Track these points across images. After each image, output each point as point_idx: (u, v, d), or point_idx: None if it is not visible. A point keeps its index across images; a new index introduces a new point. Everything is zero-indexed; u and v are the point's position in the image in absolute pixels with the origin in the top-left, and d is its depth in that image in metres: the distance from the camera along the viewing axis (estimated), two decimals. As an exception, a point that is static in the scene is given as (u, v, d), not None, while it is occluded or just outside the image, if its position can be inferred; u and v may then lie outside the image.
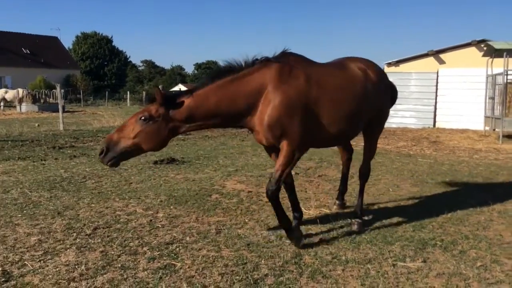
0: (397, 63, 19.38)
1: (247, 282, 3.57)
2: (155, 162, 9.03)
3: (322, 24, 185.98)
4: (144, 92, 58.26)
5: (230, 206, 5.86)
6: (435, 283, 3.59)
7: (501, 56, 14.57)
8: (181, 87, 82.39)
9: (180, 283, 3.57)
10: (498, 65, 15.31)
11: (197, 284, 3.54)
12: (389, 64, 19.52)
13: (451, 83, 18.32)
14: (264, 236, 4.68)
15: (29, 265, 3.90)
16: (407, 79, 19.19)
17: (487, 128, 15.62)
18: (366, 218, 5.22)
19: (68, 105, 41.00)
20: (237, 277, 3.68)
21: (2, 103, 29.25)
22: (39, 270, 3.80)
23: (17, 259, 4.01)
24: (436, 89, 18.59)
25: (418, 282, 3.59)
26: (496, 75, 15.33)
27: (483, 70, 17.02)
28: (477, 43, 17.67)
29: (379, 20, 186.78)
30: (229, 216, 5.38)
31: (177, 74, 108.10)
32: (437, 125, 18.46)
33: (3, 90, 30.41)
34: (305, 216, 5.44)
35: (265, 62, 4.25)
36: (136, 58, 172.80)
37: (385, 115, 5.33)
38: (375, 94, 4.83)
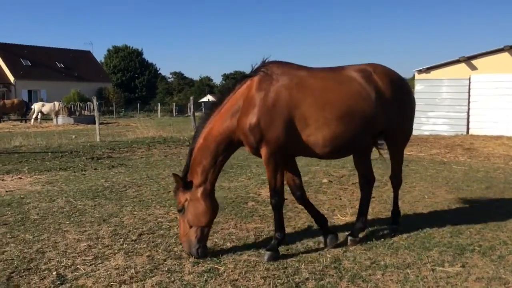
0: (428, 70, 19.22)
1: (289, 285, 3.70)
2: (191, 171, 9.25)
3: (356, 33, 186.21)
4: (174, 104, 59.27)
5: (267, 213, 6.00)
6: (474, 287, 3.65)
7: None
8: (209, 97, 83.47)
9: (225, 285, 3.73)
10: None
11: (241, 287, 3.69)
12: (420, 71, 19.38)
13: (483, 89, 18.05)
14: (302, 242, 4.79)
15: (81, 269, 4.13)
16: (438, 86, 19.01)
17: (523, 134, 15.34)
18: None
19: (102, 117, 41.97)
20: (279, 280, 3.81)
21: (39, 116, 30.26)
22: (91, 274, 4.03)
23: (69, 264, 4.26)
24: (469, 95, 18.35)
25: (458, 286, 3.65)
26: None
27: (518, 75, 16.77)
28: (510, 48, 17.39)
29: (411, 27, 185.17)
30: (267, 223, 5.53)
31: (206, 85, 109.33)
32: (470, 132, 18.19)
33: (40, 103, 31.49)
34: (341, 223, 5.55)
35: (245, 76, 4.46)
36: (165, 70, 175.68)
37: (404, 125, 4.87)
38: (383, 99, 4.46)
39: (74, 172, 9.83)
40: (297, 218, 5.77)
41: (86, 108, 34.78)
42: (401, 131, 4.86)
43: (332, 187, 7.66)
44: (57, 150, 14.13)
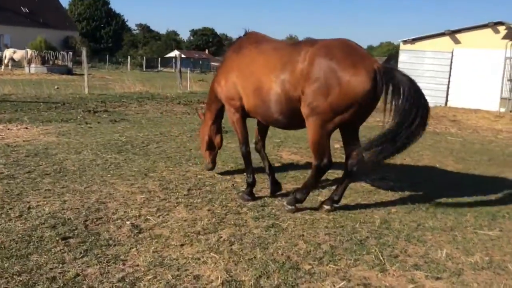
0: (413, 40, 19.70)
1: (354, 242, 4.05)
2: (201, 130, 9.40)
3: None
4: (143, 57, 57.96)
5: (298, 175, 6.31)
6: (517, 249, 4.11)
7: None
8: (176, 53, 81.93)
9: (295, 239, 4.04)
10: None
11: (312, 241, 4.01)
12: (405, 42, 19.85)
13: (465, 63, 18.73)
14: (343, 204, 5.13)
15: (151, 219, 4.34)
16: (421, 57, 19.55)
17: (502, 109, 16.17)
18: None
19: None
20: (342, 237, 4.15)
21: (10, 63, 29.11)
22: (164, 224, 4.25)
23: (137, 214, 4.45)
24: (450, 68, 19.01)
25: (504, 248, 4.10)
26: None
27: (498, 51, 17.46)
28: (494, 25, 18.03)
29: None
30: (295, 185, 5.81)
31: (172, 39, 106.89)
32: (448, 104, 18.95)
33: (12, 50, 30.22)
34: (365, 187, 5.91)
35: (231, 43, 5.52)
36: (131, 22, 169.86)
37: (321, 106, 4.32)
38: (304, 77, 4.36)
39: (79, 124, 9.80)
40: (328, 180, 6.08)
41: (57, 58, 33.59)
42: (317, 112, 4.37)
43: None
44: (48, 100, 13.87)
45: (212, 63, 76.77)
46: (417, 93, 4.31)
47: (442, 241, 4.17)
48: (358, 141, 4.69)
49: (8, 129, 8.88)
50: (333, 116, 4.35)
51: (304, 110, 4.44)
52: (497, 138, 10.65)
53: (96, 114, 11.69)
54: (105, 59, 52.71)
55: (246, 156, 5.31)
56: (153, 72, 47.65)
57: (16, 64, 30.67)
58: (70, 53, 32.96)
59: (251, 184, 5.20)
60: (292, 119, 4.68)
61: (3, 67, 28.85)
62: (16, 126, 9.30)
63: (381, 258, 3.75)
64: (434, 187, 6.01)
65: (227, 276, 3.31)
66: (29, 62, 28.49)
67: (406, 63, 19.75)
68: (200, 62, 69.11)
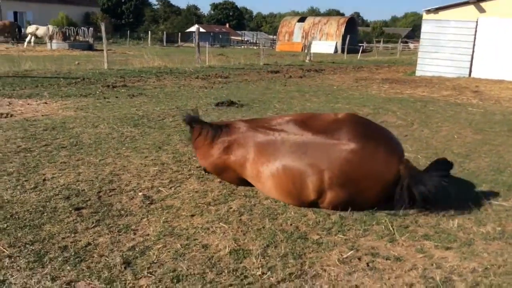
0: (437, 10, 19.11)
1: (364, 213, 4.01)
2: (217, 104, 9.42)
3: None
4: (164, 32, 57.87)
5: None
6: (531, 219, 4.04)
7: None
8: (197, 27, 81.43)
9: (304, 210, 4.04)
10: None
11: (321, 212, 4.01)
12: (428, 11, 19.28)
13: (489, 33, 18.15)
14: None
15: (163, 191, 4.40)
16: (445, 27, 19.01)
17: (527, 80, 15.68)
18: None
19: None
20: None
21: (32, 39, 29.45)
22: (175, 196, 4.30)
23: (149, 186, 4.52)
24: (474, 38, 18.45)
25: (518, 218, 4.04)
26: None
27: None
28: (521, -7, 17.35)
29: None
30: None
31: (193, 14, 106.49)
32: (472, 75, 18.47)
33: (34, 26, 30.54)
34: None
35: None
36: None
37: None
38: None
39: (97, 99, 9.91)
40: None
41: (79, 33, 33.82)
42: None
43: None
44: (68, 76, 14.05)
45: (232, 37, 76.42)
46: None
47: (454, 212, 4.12)
48: None
49: (28, 104, 9.05)
50: None
51: None
52: (520, 109, 10.37)
53: (115, 89, 11.79)
54: (126, 34, 52.80)
55: None
56: (173, 47, 47.63)
57: (39, 40, 31.02)
58: (91, 29, 33.06)
59: None
60: None
61: (26, 43, 29.21)
62: (36, 101, 9.46)
63: (390, 228, 3.74)
64: (450, 158, 5.91)
65: (235, 245, 3.35)
66: (51, 38, 28.77)
67: (429, 33, 19.29)
68: (220, 36, 68.71)
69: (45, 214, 3.72)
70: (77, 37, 32.27)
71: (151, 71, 16.48)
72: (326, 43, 51.59)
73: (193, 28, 75.29)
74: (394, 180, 3.92)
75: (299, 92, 12.22)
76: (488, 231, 3.73)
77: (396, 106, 10.03)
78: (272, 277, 2.94)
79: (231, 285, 2.83)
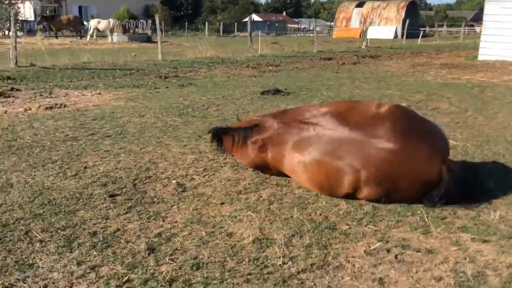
0: (501, -10, 17.97)
1: (399, 203, 3.87)
2: (262, 93, 9.38)
3: None
4: (220, 23, 58.42)
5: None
6: None
7: None
8: (254, 17, 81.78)
9: (337, 200, 3.93)
10: None
11: (354, 203, 3.89)
12: (492, -8, 18.17)
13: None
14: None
15: (197, 179, 4.45)
16: (509, 8, 17.85)
17: None
18: None
19: (151, 36, 42.21)
20: (388, 198, 3.98)
21: (95, 33, 30.70)
22: (207, 184, 4.34)
23: (184, 174, 4.58)
24: (544, 19, 17.20)
25: None
26: None
27: None
28: None
29: None
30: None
31: (250, 3, 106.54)
32: (540, 58, 17.26)
33: (96, 20, 31.83)
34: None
35: None
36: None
37: None
38: None
39: (149, 89, 10.17)
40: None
41: (138, 26, 34.85)
42: None
43: (411, 112, 7.62)
44: (124, 67, 14.51)
45: (289, 25, 75.86)
46: None
47: (498, 203, 3.87)
48: None
49: (83, 95, 9.44)
50: None
51: None
52: None
53: (167, 79, 12.06)
54: (185, 26, 53.82)
55: None
56: (229, 37, 47.95)
57: (101, 34, 32.28)
58: (149, 21, 33.94)
59: None
60: None
61: (88, 37, 30.50)
62: (91, 92, 9.86)
63: (426, 219, 3.57)
64: (502, 146, 5.57)
65: (260, 234, 3.32)
66: (112, 31, 29.85)
67: (492, 15, 18.18)
68: (276, 24, 68.38)
69: (81, 200, 3.86)
70: (136, 30, 33.27)
71: (203, 62, 16.70)
72: (385, 28, 49.98)
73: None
74: (435, 181, 3.73)
75: (349, 79, 11.94)
76: (533, 224, 3.47)
77: (451, 92, 9.56)
78: (293, 267, 2.90)
79: (250, 274, 2.81)
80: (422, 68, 14.84)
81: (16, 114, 7.30)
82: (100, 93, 9.67)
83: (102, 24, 30.75)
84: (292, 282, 2.74)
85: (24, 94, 9.43)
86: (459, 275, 2.83)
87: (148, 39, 31.32)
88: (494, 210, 3.70)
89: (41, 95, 9.33)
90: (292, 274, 2.81)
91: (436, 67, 15.15)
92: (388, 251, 3.13)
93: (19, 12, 41.73)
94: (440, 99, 8.74)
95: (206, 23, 55.34)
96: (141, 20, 35.98)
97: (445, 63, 16.66)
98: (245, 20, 76.00)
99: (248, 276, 2.78)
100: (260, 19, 74.58)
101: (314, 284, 2.73)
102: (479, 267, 2.92)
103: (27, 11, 49.14)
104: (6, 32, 38.52)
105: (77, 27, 33.33)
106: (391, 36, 47.96)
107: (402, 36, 36.97)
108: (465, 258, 3.02)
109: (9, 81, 11.05)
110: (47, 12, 44.41)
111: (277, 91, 9.56)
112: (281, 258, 2.98)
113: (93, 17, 41.32)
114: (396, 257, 3.06)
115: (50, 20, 32.92)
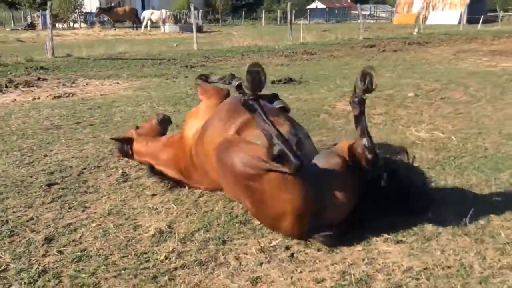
0: None
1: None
2: (273, 82, 9.19)
3: None
4: (279, 11, 58.01)
5: (336, 127, 5.85)
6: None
7: None
8: (317, 4, 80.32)
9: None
10: None
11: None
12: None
13: None
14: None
15: (145, 169, 4.42)
16: None
17: None
18: None
19: (207, 25, 42.76)
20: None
21: (149, 24, 31.56)
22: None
23: (135, 164, 4.57)
24: None
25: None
26: None
27: None
28: None
29: None
30: (332, 136, 5.38)
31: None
32: None
33: (149, 11, 32.69)
34: (414, 139, 5.23)
35: None
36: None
37: None
38: None
39: (166, 79, 10.29)
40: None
41: (189, 16, 35.36)
42: None
43: (417, 102, 7.17)
44: (157, 57, 14.80)
45: (353, 12, 73.85)
46: None
47: (448, 201, 3.54)
48: None
49: (102, 85, 9.73)
50: None
51: None
52: None
53: (192, 68, 12.15)
54: (244, 15, 54.06)
55: None
56: (284, 25, 47.48)
57: (154, 24, 33.14)
58: (201, 11, 34.36)
59: None
60: None
61: (142, 27, 31.39)
62: (110, 81, 10.13)
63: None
64: (492, 139, 5.09)
65: (166, 227, 3.24)
66: (164, 22, 30.53)
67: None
68: (336, 11, 66.86)
69: (17, 188, 3.95)
70: (188, 20, 33.79)
71: (238, 51, 16.66)
72: (449, 13, 47.43)
73: (313, 5, 74.40)
74: None
75: (378, 66, 11.41)
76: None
77: (475, 80, 8.88)
78: (174, 262, 2.80)
79: (125, 268, 2.75)
80: (464, 55, 13.93)
81: (22, 103, 7.63)
82: (118, 83, 9.91)
83: (155, 15, 31.53)
84: (162, 279, 2.64)
85: (49, 84, 9.87)
86: (345, 278, 2.61)
87: (199, 29, 31.65)
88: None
89: (63, 85, 9.72)
90: (167, 270, 2.72)
91: (480, 54, 14.17)
92: (288, 248, 2.95)
93: (83, 4, 43.71)
94: (457, 88, 8.14)
95: (263, 11, 55.16)
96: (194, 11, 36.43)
97: (494, 50, 15.54)
98: (309, 7, 75.01)
99: (122, 271, 2.72)
100: (323, 6, 73.09)
101: (184, 281, 2.62)
102: (373, 270, 2.68)
103: (93, 4, 51.34)
104: (71, 24, 40.63)
105: (133, 18, 34.40)
106: (456, 22, 45.33)
107: (468, 21, 34.90)
108: (363, 260, 2.79)
109: (41, 71, 11.61)
110: (110, 3, 46.14)
111: (289, 80, 9.34)
112: (169, 253, 2.89)
113: (154, 8, 42.43)
114: (292, 255, 2.88)
115: (107, 12, 34.26)
